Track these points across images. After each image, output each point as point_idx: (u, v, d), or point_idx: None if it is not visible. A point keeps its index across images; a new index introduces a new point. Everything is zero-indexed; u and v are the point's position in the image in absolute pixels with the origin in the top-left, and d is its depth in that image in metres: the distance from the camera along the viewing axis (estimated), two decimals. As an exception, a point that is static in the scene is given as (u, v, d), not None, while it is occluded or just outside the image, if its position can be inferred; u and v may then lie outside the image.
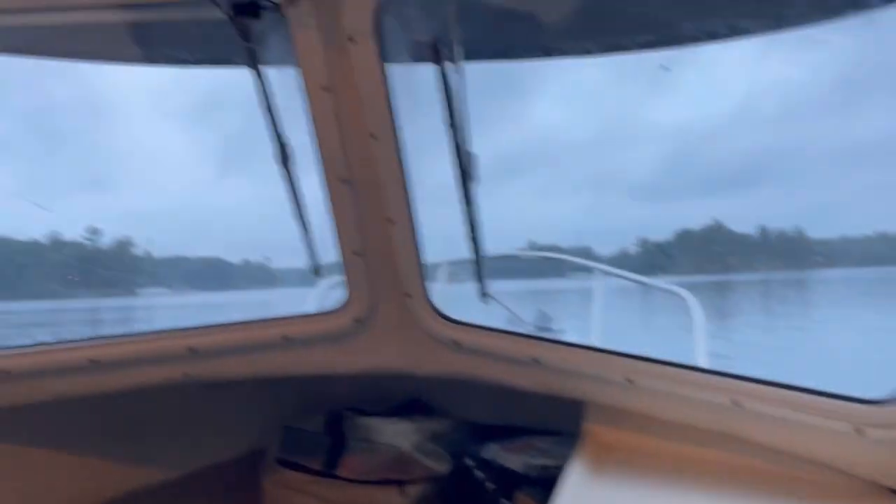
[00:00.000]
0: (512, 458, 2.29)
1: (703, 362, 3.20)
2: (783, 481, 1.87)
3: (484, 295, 2.36)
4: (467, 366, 2.34)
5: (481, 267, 2.31)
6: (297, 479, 2.47)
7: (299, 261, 2.48)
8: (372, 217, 2.29)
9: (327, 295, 3.09)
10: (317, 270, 2.46)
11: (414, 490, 2.40)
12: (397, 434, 2.45)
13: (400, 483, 2.43)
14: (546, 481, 1.92)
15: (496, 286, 2.45)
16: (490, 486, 2.27)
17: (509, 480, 2.26)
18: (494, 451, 2.33)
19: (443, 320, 2.35)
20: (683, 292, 3.69)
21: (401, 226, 2.28)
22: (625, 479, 1.97)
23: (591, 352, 2.20)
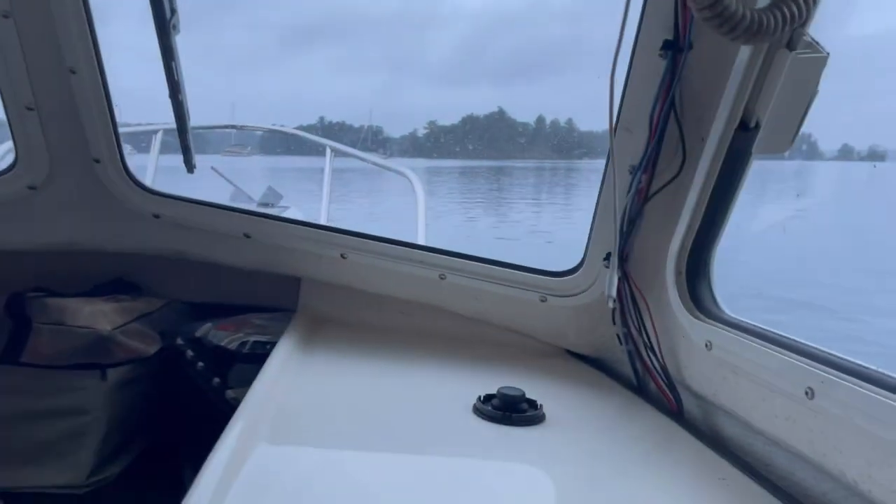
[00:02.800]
0: (225, 335, 2.17)
1: (422, 240, 3.33)
2: (480, 345, 2.00)
3: (190, 165, 2.11)
4: (171, 242, 2.13)
5: (186, 134, 2.05)
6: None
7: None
8: (48, 64, 1.89)
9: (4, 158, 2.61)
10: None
11: (116, 373, 2.20)
12: (96, 315, 2.19)
13: (100, 366, 2.21)
14: (261, 357, 1.83)
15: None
16: (200, 364, 2.15)
17: (221, 358, 2.15)
18: (207, 330, 2.19)
19: (140, 190, 2.08)
20: (409, 173, 3.81)
21: (86, 76, 1.91)
22: (334, 349, 1.96)
23: (305, 227, 2.11)
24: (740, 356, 1.42)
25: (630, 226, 1.70)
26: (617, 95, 1.59)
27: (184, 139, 2.00)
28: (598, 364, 1.94)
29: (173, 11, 1.82)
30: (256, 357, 2.10)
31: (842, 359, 1.21)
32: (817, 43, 1.33)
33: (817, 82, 1.34)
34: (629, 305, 1.75)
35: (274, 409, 1.43)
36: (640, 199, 1.67)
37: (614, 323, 1.80)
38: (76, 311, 2.20)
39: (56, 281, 2.23)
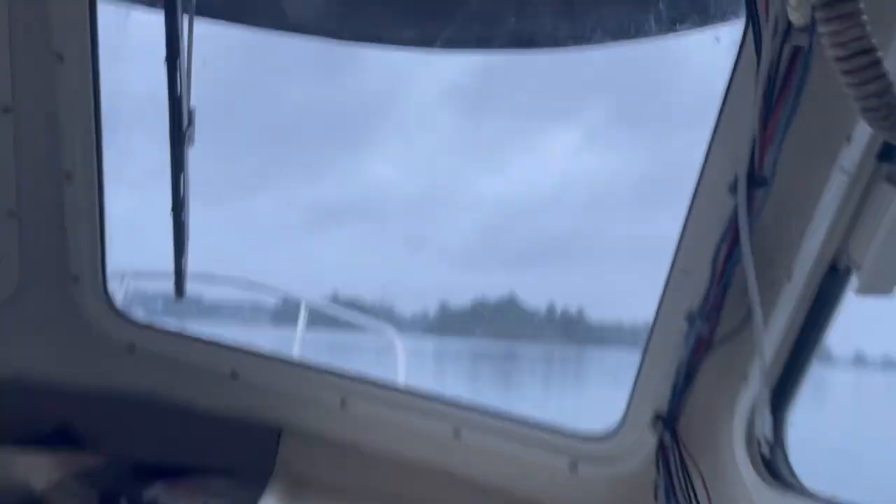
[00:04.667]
0: (180, 500, 1.78)
1: None
2: None
3: (181, 291, 1.86)
4: (143, 379, 1.82)
5: (182, 256, 1.82)
6: None
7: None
8: (41, 166, 1.73)
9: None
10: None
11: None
12: (31, 469, 1.84)
13: None
14: None
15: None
16: None
17: None
18: (157, 493, 1.81)
19: (118, 317, 1.82)
20: (388, 330, 3.65)
21: (82, 183, 1.74)
22: None
23: (302, 369, 1.81)
24: None
25: (686, 381, 1.41)
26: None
27: (179, 262, 1.78)
28: None
29: (191, 121, 1.69)
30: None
31: None
32: None
33: None
34: (679, 478, 1.41)
35: None
36: (701, 351, 1.39)
37: (656, 498, 1.45)
38: (11, 463, 1.85)
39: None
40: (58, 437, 1.97)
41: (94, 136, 1.70)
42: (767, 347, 1.31)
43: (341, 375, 1.77)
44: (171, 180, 1.71)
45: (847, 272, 1.23)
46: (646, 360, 1.48)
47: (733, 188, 1.28)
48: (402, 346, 3.41)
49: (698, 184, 1.34)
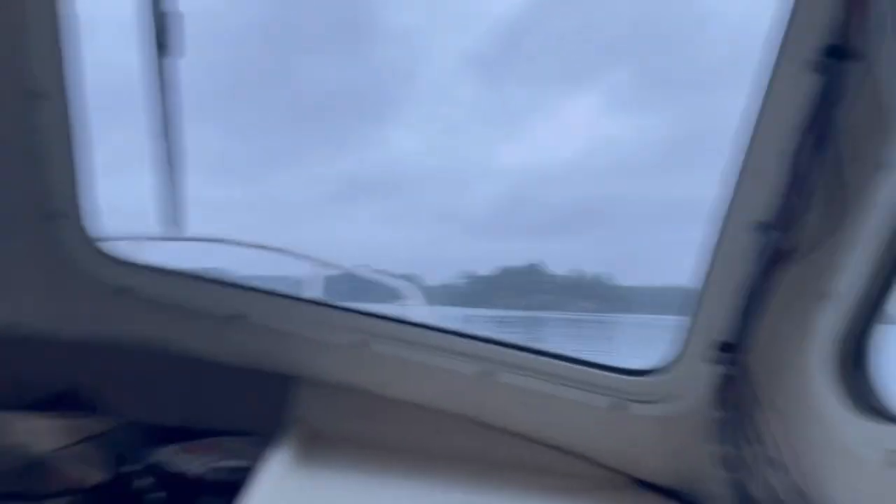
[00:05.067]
0: (191, 460, 1.64)
1: None
2: (530, 473, 1.45)
3: (175, 221, 1.67)
4: (140, 326, 1.65)
5: (175, 175, 1.62)
6: None
7: None
8: (5, 85, 1.51)
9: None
10: None
11: (51, 507, 1.66)
12: (32, 433, 1.70)
13: (35, 497, 1.69)
14: (236, 486, 1.33)
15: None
16: (158, 495, 1.61)
17: (185, 487, 1.61)
18: (168, 454, 1.66)
19: (105, 257, 1.64)
20: (407, 286, 3.57)
21: (54, 103, 1.51)
22: (337, 477, 1.42)
23: (315, 308, 1.63)
24: None
25: (756, 302, 1.21)
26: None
27: (171, 189, 1.58)
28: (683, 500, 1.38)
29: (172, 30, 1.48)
30: (230, 487, 1.56)
31: None
32: None
33: None
34: (746, 415, 1.22)
35: None
36: (775, 266, 1.18)
37: (717, 440, 1.26)
38: (10, 427, 1.72)
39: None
40: (61, 403, 1.84)
41: (61, 50, 1.49)
42: (855, 260, 1.10)
43: (358, 314, 1.59)
44: (155, 96, 1.52)
45: None
46: (708, 280, 1.27)
47: (819, 65, 1.06)
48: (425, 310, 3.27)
49: (779, 60, 1.11)
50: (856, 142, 1.09)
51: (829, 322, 1.14)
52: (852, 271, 1.10)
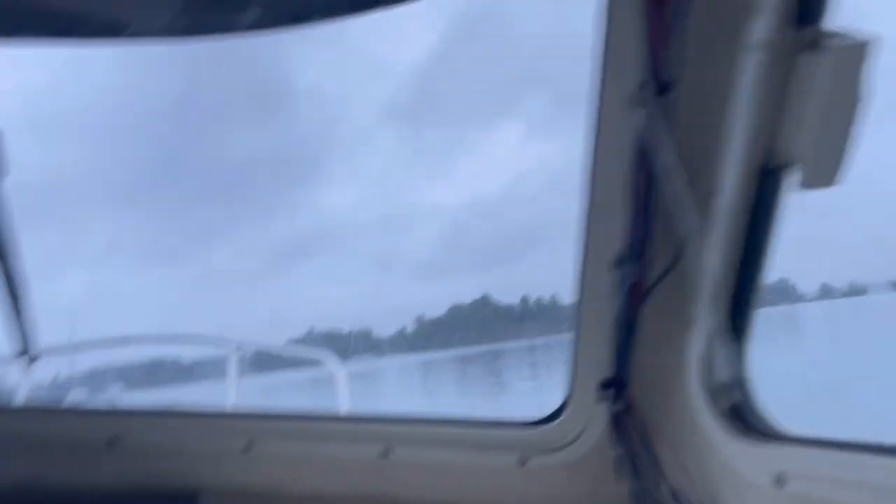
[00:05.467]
0: None
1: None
2: None
3: (27, 355, 1.58)
4: (16, 465, 1.54)
5: (21, 312, 1.55)
6: None
7: None
8: None
9: None
10: None
11: None
12: None
13: None
14: None
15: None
16: None
17: None
18: None
19: None
20: (326, 355, 3.33)
21: None
22: None
23: (196, 417, 1.55)
24: (839, 482, 0.91)
25: (627, 337, 1.20)
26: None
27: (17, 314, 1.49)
28: None
29: None
30: None
31: None
32: (848, 32, 0.94)
33: (865, 82, 0.93)
34: (640, 448, 1.20)
35: None
36: (636, 300, 1.18)
37: (621, 478, 1.24)
38: None
39: None
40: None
41: None
42: (709, 277, 1.11)
43: (241, 417, 1.52)
44: None
45: (782, 170, 1.03)
46: (580, 320, 1.26)
47: (637, 100, 1.08)
48: (342, 372, 3.13)
49: (601, 104, 1.12)
50: (689, 170, 1.10)
51: (697, 349, 1.14)
52: (706, 295, 1.11)
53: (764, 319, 1.17)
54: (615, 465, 1.27)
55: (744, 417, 1.11)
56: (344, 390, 2.90)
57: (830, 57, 0.92)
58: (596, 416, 1.28)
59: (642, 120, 1.08)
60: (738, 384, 1.13)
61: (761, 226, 1.06)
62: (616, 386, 1.22)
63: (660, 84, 1.05)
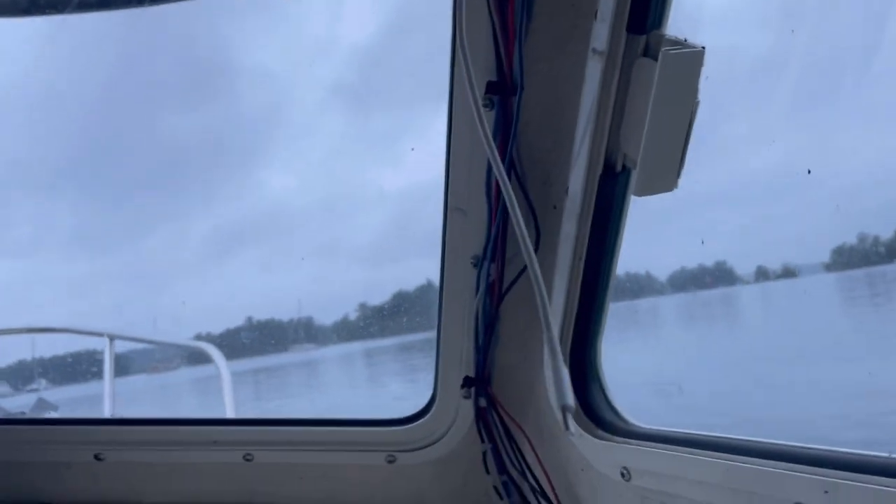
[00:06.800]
0: None
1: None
2: None
3: None
4: None
5: None
6: None
7: None
8: None
9: None
10: None
11: None
12: None
13: None
14: None
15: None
16: None
17: None
18: None
19: None
20: (208, 347, 3.22)
21: None
22: None
23: (46, 426, 1.50)
24: (677, 478, 0.96)
25: (487, 335, 1.21)
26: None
27: None
28: None
29: None
30: None
31: (851, 454, 0.76)
32: (683, 40, 0.96)
33: (696, 88, 0.96)
34: (504, 443, 1.22)
35: None
36: (495, 298, 1.20)
37: (488, 472, 1.26)
38: None
39: None
40: None
41: None
42: (559, 278, 1.13)
43: (89, 424, 1.47)
44: None
45: (624, 171, 1.05)
46: (443, 318, 1.26)
47: (486, 101, 1.08)
48: (225, 366, 2.99)
49: (451, 104, 1.12)
50: (542, 170, 1.12)
51: (551, 346, 1.16)
52: (558, 293, 1.13)
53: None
54: (482, 461, 1.28)
55: (597, 413, 1.14)
56: (228, 387, 2.80)
57: (664, 63, 0.94)
58: (462, 413, 1.29)
59: (494, 121, 1.09)
60: (592, 381, 1.16)
61: (606, 226, 1.08)
62: (478, 383, 1.24)
63: (507, 85, 1.06)
